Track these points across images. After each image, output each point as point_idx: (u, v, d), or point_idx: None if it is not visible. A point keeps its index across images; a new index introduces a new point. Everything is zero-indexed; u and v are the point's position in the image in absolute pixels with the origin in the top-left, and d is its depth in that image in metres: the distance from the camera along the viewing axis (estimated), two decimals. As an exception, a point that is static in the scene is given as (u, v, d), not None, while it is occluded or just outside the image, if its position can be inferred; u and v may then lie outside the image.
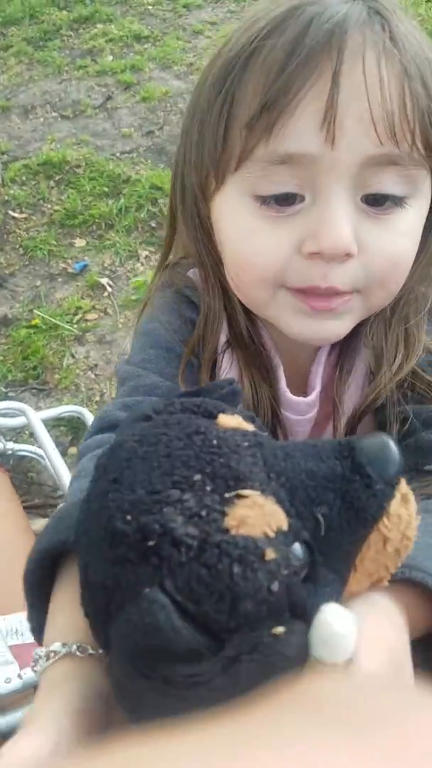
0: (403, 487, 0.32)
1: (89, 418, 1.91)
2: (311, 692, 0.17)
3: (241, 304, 0.60)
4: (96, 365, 2.14)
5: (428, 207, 0.52)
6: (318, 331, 0.53)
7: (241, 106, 0.47)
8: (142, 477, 0.29)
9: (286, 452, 0.32)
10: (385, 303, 0.54)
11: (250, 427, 0.34)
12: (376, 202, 0.47)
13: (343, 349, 0.62)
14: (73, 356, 2.16)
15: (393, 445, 0.32)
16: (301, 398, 0.62)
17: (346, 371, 0.62)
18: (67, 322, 2.25)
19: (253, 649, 0.25)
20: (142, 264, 2.45)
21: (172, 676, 0.25)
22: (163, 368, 0.61)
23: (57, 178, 2.79)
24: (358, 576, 0.32)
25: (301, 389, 0.63)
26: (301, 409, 0.63)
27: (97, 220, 2.60)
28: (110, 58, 3.58)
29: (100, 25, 3.82)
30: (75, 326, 2.24)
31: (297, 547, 0.29)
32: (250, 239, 0.50)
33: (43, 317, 2.25)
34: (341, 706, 0.16)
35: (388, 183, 0.47)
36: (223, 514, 0.27)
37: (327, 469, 0.31)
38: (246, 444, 0.32)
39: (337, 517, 0.30)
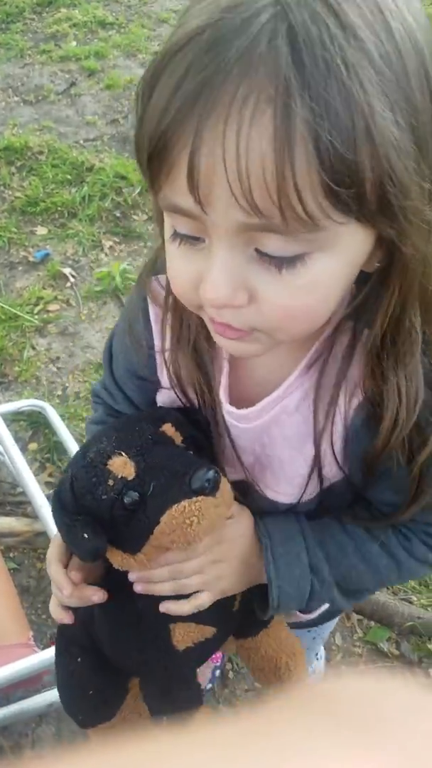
0: (200, 499, 0.59)
1: (51, 412, 1.84)
2: (325, 693, 0.18)
3: None
4: (58, 358, 2.07)
5: (362, 253, 0.46)
6: (235, 348, 0.54)
7: (144, 133, 0.43)
8: (95, 444, 0.64)
9: (168, 452, 0.63)
10: (299, 337, 0.52)
11: (178, 438, 0.65)
12: (268, 256, 0.44)
13: (324, 372, 0.60)
14: (33, 348, 2.09)
15: (212, 475, 0.60)
16: (234, 409, 0.64)
17: (327, 399, 0.60)
18: (28, 313, 2.17)
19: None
20: (106, 254, 2.38)
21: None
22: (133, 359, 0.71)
23: (18, 164, 2.70)
24: (159, 528, 0.60)
25: (260, 397, 0.63)
26: (239, 418, 0.64)
27: (59, 208, 2.52)
28: (74, 43, 3.48)
29: (63, 10, 3.71)
30: (36, 317, 2.16)
31: (132, 494, 0.61)
32: (171, 261, 0.50)
33: (2, 307, 2.17)
34: (355, 706, 0.16)
35: (273, 246, 0.43)
36: (108, 459, 0.62)
37: (171, 467, 0.60)
38: (151, 440, 0.63)
39: (160, 489, 0.60)
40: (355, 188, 0.40)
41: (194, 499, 0.58)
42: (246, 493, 0.70)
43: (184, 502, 0.58)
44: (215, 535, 0.65)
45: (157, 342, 0.66)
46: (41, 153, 2.73)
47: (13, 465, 1.65)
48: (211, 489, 0.59)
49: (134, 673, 0.77)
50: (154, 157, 0.42)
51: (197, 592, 0.68)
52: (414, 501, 0.61)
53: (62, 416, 1.84)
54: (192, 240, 0.46)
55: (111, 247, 2.41)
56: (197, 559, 0.67)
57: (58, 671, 0.80)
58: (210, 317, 0.51)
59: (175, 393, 0.67)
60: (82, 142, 2.86)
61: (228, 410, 0.65)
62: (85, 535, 0.61)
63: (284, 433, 0.64)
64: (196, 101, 0.39)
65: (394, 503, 0.64)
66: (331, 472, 0.64)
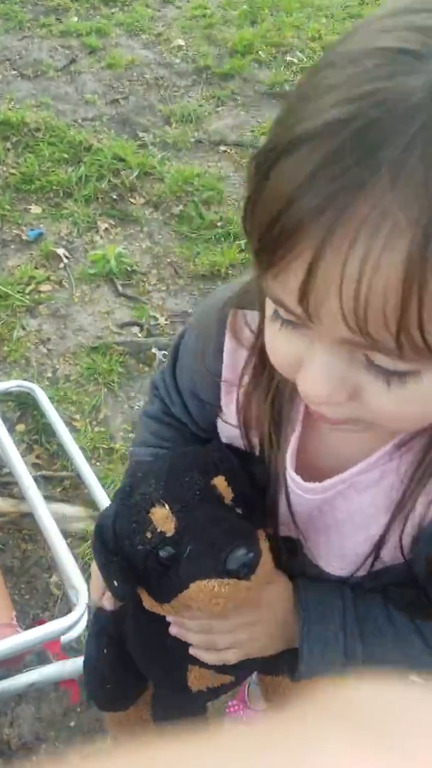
0: (214, 583, 0.57)
1: (40, 394, 1.83)
2: (344, 698, 0.18)
3: None
4: (49, 339, 2.05)
5: None
6: (326, 423, 0.49)
7: (257, 214, 0.39)
8: (143, 485, 0.63)
9: (213, 514, 0.59)
10: (398, 431, 0.49)
11: (228, 496, 0.61)
12: (376, 366, 0.40)
13: (425, 454, 0.54)
14: (24, 328, 2.07)
15: (250, 559, 0.56)
16: (300, 479, 0.59)
17: (407, 491, 0.55)
18: (19, 293, 2.15)
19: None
20: (101, 237, 2.37)
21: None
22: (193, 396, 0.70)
23: (14, 140, 2.66)
24: (187, 592, 0.58)
25: (335, 471, 0.58)
26: (303, 489, 0.60)
27: (54, 187, 2.49)
28: (75, 18, 3.43)
29: (65, -17, 3.65)
30: (27, 297, 2.14)
31: (168, 549, 0.59)
32: (271, 337, 0.47)
33: (-7, 285, 2.14)
34: (374, 713, 0.16)
35: (383, 361, 0.39)
36: (152, 506, 0.60)
37: (211, 536, 0.57)
38: (198, 495, 0.60)
39: (195, 555, 0.57)
40: None
41: (225, 580, 0.55)
42: (295, 551, 0.66)
43: (214, 582, 0.55)
44: (250, 600, 0.61)
45: (226, 374, 0.62)
46: (38, 130, 2.70)
47: (0, 445, 1.64)
48: (246, 573, 0.56)
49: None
50: (266, 247, 0.38)
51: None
52: None
53: (51, 399, 1.84)
54: (295, 324, 0.43)
55: (106, 229, 2.40)
56: (228, 621, 0.64)
57: (87, 651, 0.83)
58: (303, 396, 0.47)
59: (240, 433, 0.63)
60: (80, 120, 2.82)
61: (292, 477, 0.60)
62: (115, 582, 0.61)
63: (349, 509, 0.60)
64: (325, 208, 0.34)
65: None
66: (391, 558, 0.60)
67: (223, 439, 0.67)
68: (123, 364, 1.99)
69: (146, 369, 2.01)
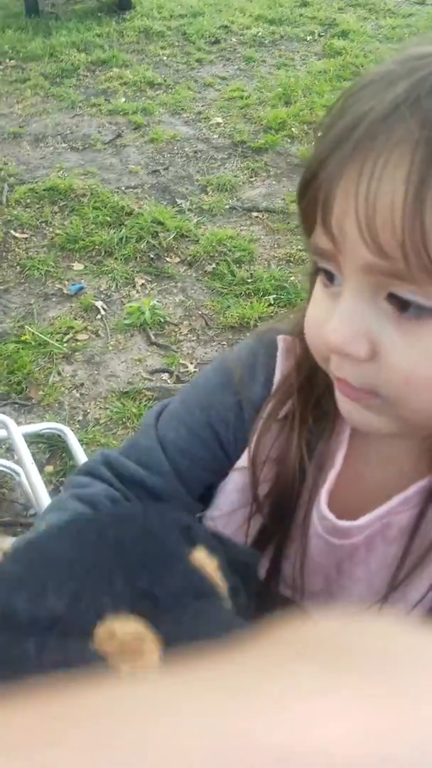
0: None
1: (70, 436, 1.90)
2: (303, 634, 0.15)
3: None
4: (82, 384, 2.14)
5: None
6: (358, 416, 0.47)
7: (302, 185, 0.45)
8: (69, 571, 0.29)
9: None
10: (421, 422, 0.46)
11: (211, 570, 0.32)
12: (400, 304, 0.41)
13: None
14: (59, 374, 2.17)
15: None
16: (335, 518, 0.53)
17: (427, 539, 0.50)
18: (57, 341, 2.26)
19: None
20: (138, 291, 2.49)
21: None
22: (184, 444, 0.58)
23: (61, 204, 2.86)
24: None
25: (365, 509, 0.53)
26: (335, 531, 0.53)
27: (97, 247, 2.64)
28: (123, 99, 3.72)
29: (116, 69, 3.98)
30: (64, 345, 2.25)
31: None
32: (313, 308, 0.48)
33: (33, 333, 2.26)
34: (335, 645, 0.14)
35: (406, 291, 0.40)
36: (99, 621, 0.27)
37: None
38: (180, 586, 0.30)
39: None
40: None
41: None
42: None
43: None
44: None
45: (268, 409, 0.55)
46: (84, 195, 2.89)
47: (30, 486, 1.69)
48: None
49: None
50: (302, 199, 0.44)
51: None
52: None
53: (81, 441, 1.90)
54: (328, 279, 0.45)
55: (143, 284, 2.52)
56: None
57: None
58: (332, 372, 0.46)
59: (251, 475, 0.55)
60: (123, 188, 3.02)
61: (324, 516, 0.53)
62: None
63: (369, 563, 0.53)
64: (342, 141, 0.41)
65: None
66: None
67: (222, 499, 0.58)
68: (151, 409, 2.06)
69: (174, 415, 2.07)
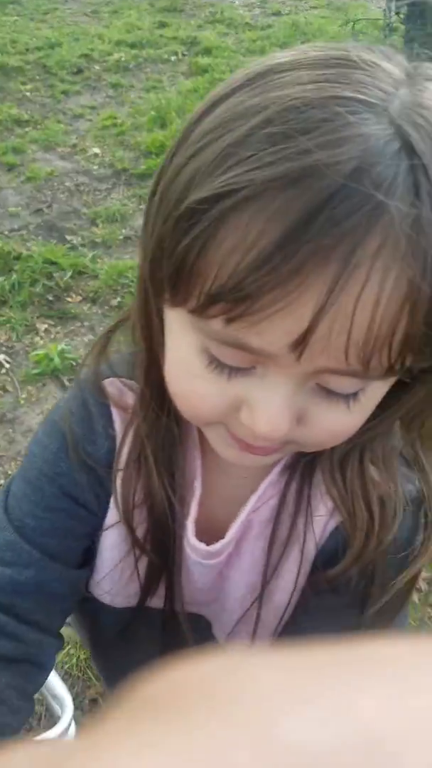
0: None
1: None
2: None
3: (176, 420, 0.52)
4: (-2, 446, 1.98)
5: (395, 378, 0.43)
6: (243, 460, 0.47)
7: (207, 258, 0.36)
8: None
9: None
10: (325, 448, 0.47)
11: None
12: (330, 391, 0.41)
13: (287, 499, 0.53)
14: (-29, 440, 1.99)
15: None
16: (198, 543, 0.54)
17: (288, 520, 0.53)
18: (-38, 404, 2.08)
19: None
20: (42, 337, 2.35)
21: None
22: (46, 524, 0.54)
23: None
24: None
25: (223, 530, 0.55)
26: (207, 555, 0.55)
27: (-12, 298, 2.48)
28: (-9, 141, 3.55)
29: (-22, 111, 3.80)
30: (-28, 407, 2.07)
31: None
32: (191, 382, 0.43)
33: None
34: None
35: (344, 385, 0.40)
36: None
37: None
38: None
39: None
40: None
41: None
42: (207, 629, 0.61)
43: None
44: None
45: (123, 459, 0.54)
46: (-35, 245, 2.71)
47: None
48: None
49: None
50: (235, 299, 0.35)
51: None
52: None
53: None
54: (234, 370, 0.41)
55: (46, 330, 2.38)
56: None
57: None
58: (229, 432, 0.44)
59: (126, 525, 0.54)
60: (6, 232, 2.86)
61: (195, 546, 0.54)
62: None
63: (242, 564, 0.56)
64: (332, 250, 0.33)
65: None
66: (288, 598, 0.55)
67: (101, 562, 0.57)
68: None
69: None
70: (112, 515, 0.55)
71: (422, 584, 1.62)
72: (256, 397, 0.40)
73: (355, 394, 0.40)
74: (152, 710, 0.12)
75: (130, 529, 0.54)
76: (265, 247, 0.34)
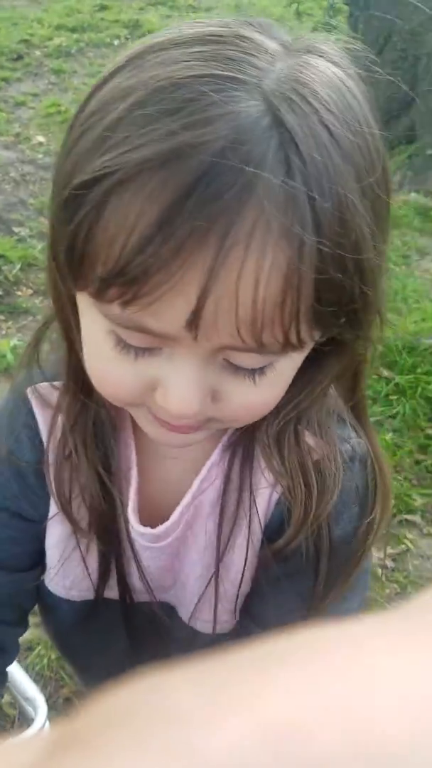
0: None
1: None
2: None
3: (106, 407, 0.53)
4: None
5: (307, 350, 0.44)
6: (171, 440, 0.47)
7: (95, 242, 0.37)
8: None
9: None
10: (247, 423, 0.49)
11: None
12: (238, 367, 0.42)
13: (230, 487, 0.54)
14: None
15: None
16: (148, 529, 0.54)
17: (235, 495, 0.54)
18: None
19: None
20: (-8, 333, 2.28)
21: None
22: None
23: None
24: None
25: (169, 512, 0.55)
26: (153, 538, 0.55)
27: None
28: None
29: None
30: None
31: None
32: (104, 365, 0.44)
33: None
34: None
35: (248, 361, 0.41)
36: None
37: None
38: None
39: None
40: (343, 315, 0.39)
41: None
42: (170, 615, 0.61)
43: None
44: None
45: (52, 457, 0.55)
46: None
47: None
48: None
49: None
50: (126, 282, 0.36)
51: None
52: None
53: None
54: (141, 351, 0.41)
55: (-5, 324, 2.31)
56: None
57: None
58: (151, 413, 0.45)
59: (68, 519, 0.55)
60: None
61: (139, 531, 0.55)
62: None
63: (197, 544, 0.56)
64: (209, 230, 0.34)
65: None
66: (234, 589, 0.56)
67: (50, 556, 0.58)
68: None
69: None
70: (53, 509, 0.56)
71: (388, 561, 1.64)
72: (166, 376, 0.41)
73: (261, 369, 0.41)
74: (77, 743, 0.12)
75: (71, 520, 0.55)
76: (145, 229, 0.34)
